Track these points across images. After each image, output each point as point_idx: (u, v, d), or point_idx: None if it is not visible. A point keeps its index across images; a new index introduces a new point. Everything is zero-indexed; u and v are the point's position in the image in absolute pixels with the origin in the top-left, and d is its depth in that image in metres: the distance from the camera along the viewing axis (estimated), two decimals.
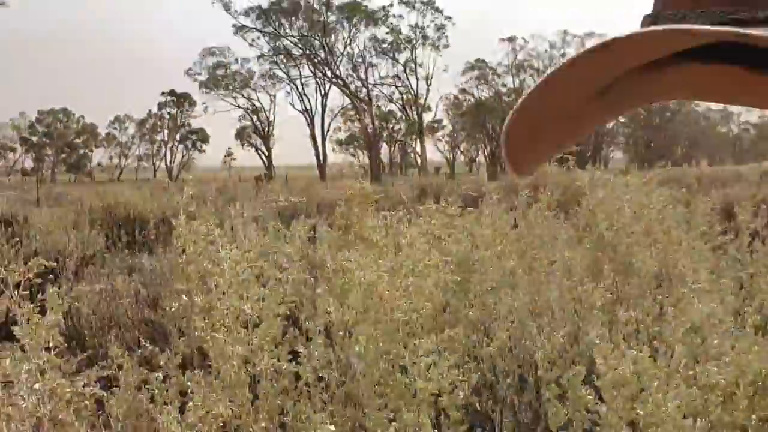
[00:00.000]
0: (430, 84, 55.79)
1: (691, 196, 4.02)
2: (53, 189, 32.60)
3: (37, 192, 23.72)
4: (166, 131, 69.61)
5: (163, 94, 67.47)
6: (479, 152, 78.38)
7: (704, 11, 0.37)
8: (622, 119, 70.34)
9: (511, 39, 61.47)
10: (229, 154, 74.28)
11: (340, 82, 50.73)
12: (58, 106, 69.31)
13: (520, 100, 0.43)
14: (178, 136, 69.17)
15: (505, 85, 64.99)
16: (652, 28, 0.36)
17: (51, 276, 4.65)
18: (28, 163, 70.10)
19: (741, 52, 0.37)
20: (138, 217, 10.24)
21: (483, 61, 63.42)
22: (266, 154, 59.61)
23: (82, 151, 70.99)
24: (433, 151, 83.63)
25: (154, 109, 68.49)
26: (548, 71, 0.41)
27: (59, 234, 5.02)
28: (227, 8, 48.20)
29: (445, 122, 73.56)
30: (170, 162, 70.68)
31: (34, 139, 67.83)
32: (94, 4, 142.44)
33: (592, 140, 70.56)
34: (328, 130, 56.54)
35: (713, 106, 74.27)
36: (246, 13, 49.06)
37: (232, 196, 12.67)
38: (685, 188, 11.74)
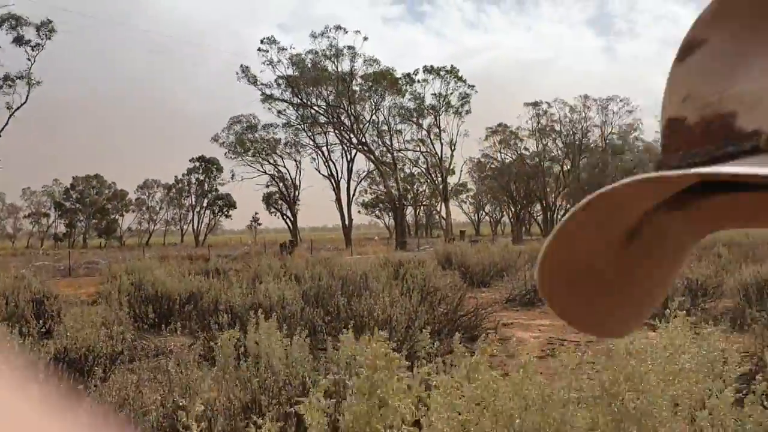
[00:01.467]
0: (454, 148, 56.42)
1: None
2: (84, 256, 33.24)
3: (69, 261, 24.17)
4: (193, 196, 71.02)
5: (192, 160, 69.16)
6: (504, 214, 78.47)
7: (690, 152, 0.37)
8: None
9: (535, 104, 62.17)
10: (255, 219, 75.48)
11: (365, 148, 51.54)
12: (92, 173, 71.41)
13: (539, 256, 0.41)
14: (205, 202, 70.44)
15: (527, 149, 65.41)
16: (625, 181, 0.35)
17: (79, 374, 4.76)
18: (61, 228, 71.85)
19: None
20: (165, 294, 10.44)
21: (505, 125, 64.10)
22: (292, 218, 60.29)
23: (112, 217, 72.53)
24: (458, 213, 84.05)
25: (184, 174, 70.14)
26: (555, 228, 0.39)
27: (89, 330, 5.12)
28: (252, 82, 49.63)
29: (470, 185, 74.01)
30: (197, 226, 71.78)
31: (68, 204, 69.63)
32: (126, 73, 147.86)
33: None
34: (353, 195, 57.17)
35: None
36: (274, 84, 50.46)
37: (256, 271, 12.77)
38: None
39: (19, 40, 27.56)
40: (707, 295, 9.81)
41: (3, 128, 27.51)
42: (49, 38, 28.12)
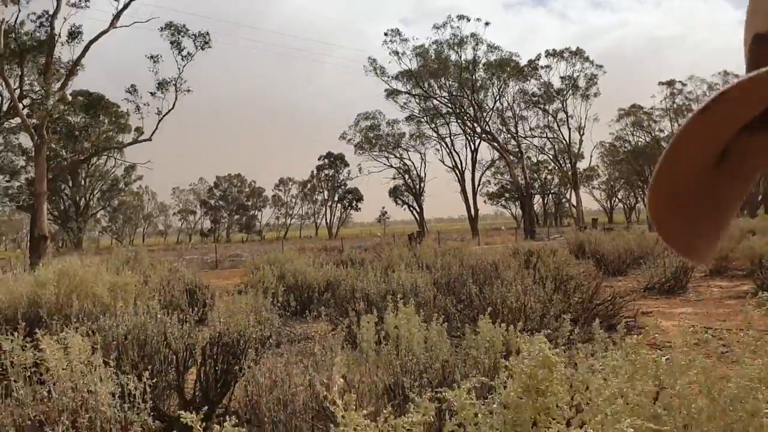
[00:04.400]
0: (583, 133, 54.23)
1: None
2: (228, 249, 35.52)
3: (215, 254, 25.94)
4: (325, 192, 73.76)
5: (320, 157, 71.78)
6: (638, 200, 74.59)
7: None
8: None
9: (670, 83, 58.40)
10: (383, 213, 77.27)
11: (489, 137, 50.85)
12: (233, 172, 76.15)
13: (653, 173, 0.43)
14: (336, 196, 72.86)
15: (662, 131, 61.59)
16: (751, 75, 0.35)
17: (233, 357, 5.14)
18: (207, 224, 77.31)
19: None
20: (305, 283, 10.97)
21: (638, 106, 60.79)
22: (418, 210, 60.85)
23: (252, 213, 76.95)
24: (590, 200, 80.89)
25: (319, 171, 73.17)
26: (672, 139, 0.40)
27: (240, 315, 5.53)
28: (380, 73, 50.33)
29: (601, 170, 71.02)
30: (329, 220, 74.41)
31: (212, 202, 74.76)
32: (258, 78, 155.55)
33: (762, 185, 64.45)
34: (479, 185, 56.64)
35: None
36: (397, 78, 50.92)
37: (389, 260, 13.04)
38: None
39: (179, 50, 29.65)
40: None
41: (153, 132, 29.81)
42: (203, 49, 30.07)
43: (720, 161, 0.42)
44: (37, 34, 27.99)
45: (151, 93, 30.19)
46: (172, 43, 29.58)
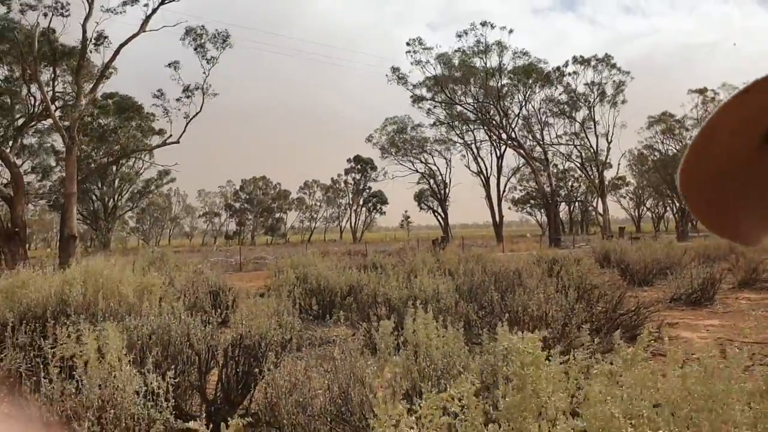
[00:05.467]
0: (611, 141, 53.61)
1: None
2: (253, 252, 35.81)
3: (240, 257, 26.19)
4: (350, 195, 74.14)
5: (349, 160, 72.19)
6: (667, 209, 73.53)
7: None
8: None
9: (702, 91, 57.48)
10: (406, 217, 77.46)
11: (515, 143, 50.56)
12: (258, 175, 76.85)
13: (683, 157, 0.41)
14: (361, 200, 73.18)
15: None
16: None
17: (254, 359, 5.21)
18: (232, 227, 78.10)
19: None
20: (327, 287, 11.02)
21: (669, 114, 59.98)
22: (443, 215, 60.75)
23: (277, 215, 77.51)
24: (617, 209, 79.89)
25: (340, 174, 73.57)
26: (705, 121, 0.39)
27: (261, 319, 5.60)
28: (402, 83, 50.35)
29: (629, 179, 70.21)
30: (354, 223, 74.65)
31: (237, 205, 75.46)
32: (284, 82, 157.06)
33: None
34: (504, 191, 56.39)
35: None
36: (421, 85, 50.87)
37: (412, 266, 13.05)
38: None
39: (203, 53, 30.12)
40: None
41: (181, 135, 30.22)
42: (223, 48, 30.51)
43: (765, 143, 0.40)
44: (56, 33, 28.55)
45: (177, 99, 30.70)
46: (195, 48, 30.06)
